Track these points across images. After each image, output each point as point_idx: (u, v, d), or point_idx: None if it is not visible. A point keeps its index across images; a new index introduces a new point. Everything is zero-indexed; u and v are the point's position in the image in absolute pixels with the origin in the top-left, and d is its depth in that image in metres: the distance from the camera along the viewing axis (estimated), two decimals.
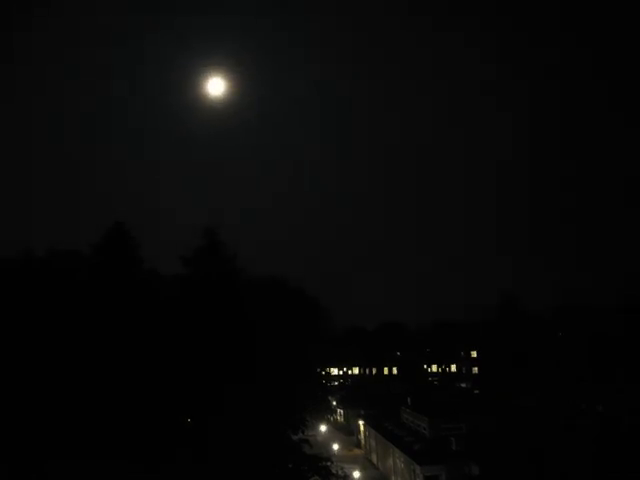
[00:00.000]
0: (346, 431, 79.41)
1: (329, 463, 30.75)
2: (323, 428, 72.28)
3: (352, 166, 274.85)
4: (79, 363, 25.85)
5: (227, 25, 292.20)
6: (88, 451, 23.85)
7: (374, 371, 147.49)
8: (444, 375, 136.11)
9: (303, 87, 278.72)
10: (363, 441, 70.12)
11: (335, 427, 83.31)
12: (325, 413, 75.18)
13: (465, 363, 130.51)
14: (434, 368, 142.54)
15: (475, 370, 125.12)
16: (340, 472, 32.02)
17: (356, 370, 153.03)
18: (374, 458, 61.63)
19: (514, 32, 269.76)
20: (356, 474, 48.63)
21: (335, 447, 60.99)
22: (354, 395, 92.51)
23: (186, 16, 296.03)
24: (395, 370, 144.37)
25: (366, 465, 59.74)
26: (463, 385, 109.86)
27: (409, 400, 61.57)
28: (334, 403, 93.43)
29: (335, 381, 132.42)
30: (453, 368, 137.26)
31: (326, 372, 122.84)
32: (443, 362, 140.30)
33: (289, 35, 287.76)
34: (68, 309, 27.59)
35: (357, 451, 69.14)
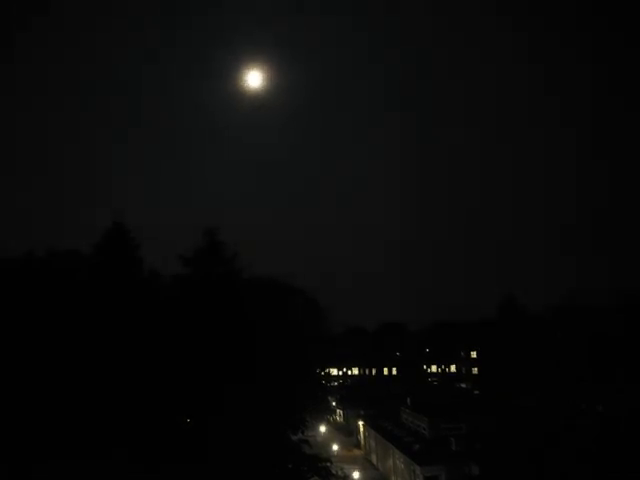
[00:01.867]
0: (346, 431, 79.41)
1: (329, 463, 30.67)
2: (323, 428, 72.25)
3: (352, 165, 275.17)
4: (79, 363, 25.85)
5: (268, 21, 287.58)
6: (88, 451, 23.84)
7: (374, 371, 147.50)
8: (444, 375, 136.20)
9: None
10: (363, 441, 70.09)
11: (335, 427, 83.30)
12: (325, 413, 75.30)
13: (465, 363, 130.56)
14: (434, 368, 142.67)
15: (475, 370, 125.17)
16: (340, 472, 31.92)
17: (356, 370, 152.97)
18: (374, 458, 61.61)
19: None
20: (356, 474, 48.65)
21: (335, 447, 60.99)
22: (354, 395, 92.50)
23: (231, 14, 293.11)
24: (395, 370, 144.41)
25: (366, 465, 59.77)
26: (463, 385, 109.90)
27: (409, 400, 61.59)
28: (334, 403, 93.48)
29: (335, 381, 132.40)
30: (453, 368, 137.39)
31: (326, 372, 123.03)
32: (443, 362, 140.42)
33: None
34: (68, 309, 27.59)
35: (357, 451, 69.13)
